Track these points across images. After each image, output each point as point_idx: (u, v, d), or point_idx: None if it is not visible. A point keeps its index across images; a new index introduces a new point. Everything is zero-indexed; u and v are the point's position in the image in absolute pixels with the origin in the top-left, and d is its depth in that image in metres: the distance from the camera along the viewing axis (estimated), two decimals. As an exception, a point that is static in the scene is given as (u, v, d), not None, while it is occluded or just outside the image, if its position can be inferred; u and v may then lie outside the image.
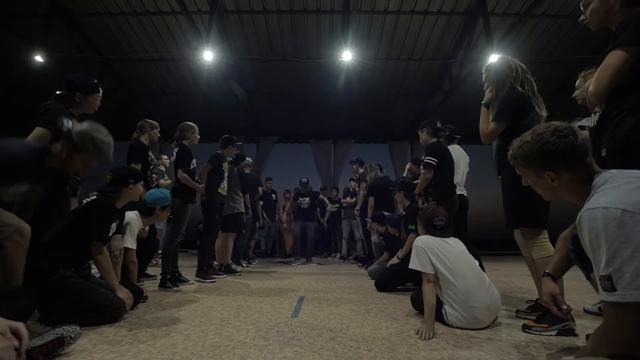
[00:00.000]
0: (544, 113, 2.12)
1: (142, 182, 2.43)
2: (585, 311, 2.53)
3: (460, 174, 3.68)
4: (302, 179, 7.06)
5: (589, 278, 1.31)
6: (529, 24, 7.15)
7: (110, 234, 2.25)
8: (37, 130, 2.05)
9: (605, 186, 1.00)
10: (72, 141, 1.72)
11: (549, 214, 2.01)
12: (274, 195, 7.45)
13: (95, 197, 2.16)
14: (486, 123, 2.20)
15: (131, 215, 2.73)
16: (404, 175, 5.04)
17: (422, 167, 3.31)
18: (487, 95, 2.26)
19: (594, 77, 1.47)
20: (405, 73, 8.54)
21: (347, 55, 6.67)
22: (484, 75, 2.32)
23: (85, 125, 1.76)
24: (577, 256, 1.35)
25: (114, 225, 2.30)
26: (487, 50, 6.55)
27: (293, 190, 7.55)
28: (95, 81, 2.38)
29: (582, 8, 1.66)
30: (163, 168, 5.22)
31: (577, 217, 0.98)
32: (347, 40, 6.57)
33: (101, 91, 2.42)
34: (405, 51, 7.84)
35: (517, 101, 2.08)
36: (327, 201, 7.61)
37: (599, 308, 2.43)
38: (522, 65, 2.18)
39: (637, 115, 1.33)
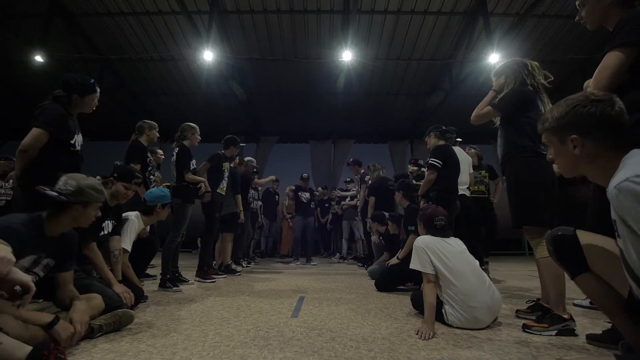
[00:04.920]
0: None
1: (133, 181, 2.44)
2: (575, 305, 2.54)
3: (464, 175, 3.70)
4: (304, 174, 7.14)
5: (573, 279, 1.31)
6: (529, 24, 7.14)
7: (102, 233, 2.25)
8: (34, 131, 2.05)
9: (637, 158, 0.96)
10: (80, 204, 1.62)
11: (554, 214, 2.01)
12: (277, 197, 7.47)
13: None
14: (483, 105, 2.27)
15: (131, 217, 2.73)
16: (409, 172, 5.04)
17: (426, 168, 3.32)
18: (500, 82, 2.28)
19: (592, 78, 1.48)
20: (405, 73, 8.54)
21: (347, 55, 6.67)
22: (496, 69, 2.35)
23: (70, 182, 1.64)
24: (558, 257, 1.34)
25: (108, 223, 2.30)
26: (487, 50, 6.55)
27: (293, 186, 7.62)
28: (92, 81, 2.37)
29: (578, 7, 1.66)
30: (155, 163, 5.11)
31: (614, 189, 0.91)
32: (347, 40, 6.57)
33: (98, 91, 2.41)
34: (405, 51, 7.84)
35: (519, 96, 2.10)
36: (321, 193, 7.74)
37: (590, 302, 2.45)
38: (537, 64, 2.19)
39: (637, 115, 1.33)
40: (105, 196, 2.16)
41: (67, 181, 1.64)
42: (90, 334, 1.63)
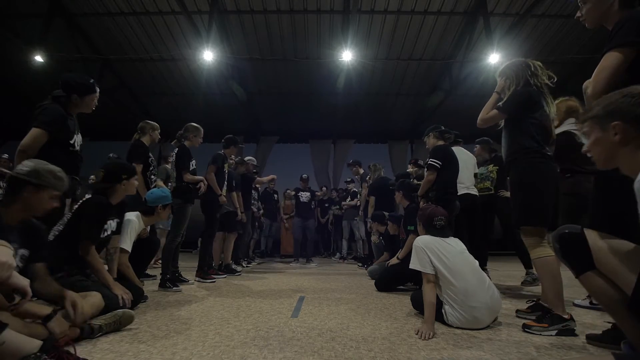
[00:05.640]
0: (553, 109, 2.13)
1: (135, 177, 2.43)
2: (575, 305, 2.54)
3: (468, 174, 3.69)
4: (303, 175, 7.18)
5: (577, 277, 1.31)
6: (529, 24, 7.15)
7: (106, 234, 2.24)
8: (33, 131, 2.06)
9: None
10: (31, 184, 1.53)
11: (555, 216, 2.01)
12: (275, 196, 7.48)
13: (90, 196, 2.17)
14: (489, 109, 2.23)
15: (131, 217, 2.72)
16: (409, 171, 5.01)
17: (425, 169, 3.31)
18: (500, 84, 2.27)
19: (591, 78, 1.48)
20: (405, 73, 8.55)
21: (347, 55, 6.67)
22: (500, 69, 2.32)
23: (28, 163, 1.60)
24: (564, 255, 1.35)
25: (111, 223, 2.29)
26: (487, 50, 6.56)
27: (293, 189, 7.62)
28: (92, 81, 2.36)
29: (579, 4, 1.66)
30: (168, 166, 5.10)
31: (637, 182, 0.93)
32: (347, 40, 6.57)
33: (98, 91, 2.40)
34: (405, 51, 7.84)
35: (523, 96, 2.09)
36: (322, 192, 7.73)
37: (590, 302, 2.45)
38: (540, 64, 2.18)
39: None
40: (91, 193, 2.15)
41: (26, 163, 1.59)
42: (90, 334, 1.63)
